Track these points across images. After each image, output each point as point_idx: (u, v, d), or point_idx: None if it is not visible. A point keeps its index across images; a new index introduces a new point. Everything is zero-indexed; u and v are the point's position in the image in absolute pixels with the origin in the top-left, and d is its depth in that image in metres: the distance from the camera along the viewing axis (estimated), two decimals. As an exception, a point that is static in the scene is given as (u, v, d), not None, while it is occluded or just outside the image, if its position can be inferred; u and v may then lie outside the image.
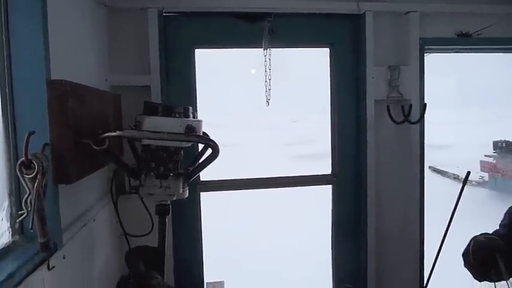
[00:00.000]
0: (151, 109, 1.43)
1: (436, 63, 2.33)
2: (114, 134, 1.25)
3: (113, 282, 1.74)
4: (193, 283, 2.02)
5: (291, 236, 2.14)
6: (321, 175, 2.08)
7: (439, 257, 1.98)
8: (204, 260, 2.05)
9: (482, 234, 1.60)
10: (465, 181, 1.93)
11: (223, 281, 2.08)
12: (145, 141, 1.40)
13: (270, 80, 2.00)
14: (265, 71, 1.99)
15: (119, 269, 1.81)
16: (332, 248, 2.11)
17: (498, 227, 1.75)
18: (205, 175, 2.00)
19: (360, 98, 2.01)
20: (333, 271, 2.12)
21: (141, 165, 1.48)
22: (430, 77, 2.28)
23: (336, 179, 2.06)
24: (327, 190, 2.08)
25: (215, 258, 2.14)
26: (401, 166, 2.06)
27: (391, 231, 2.09)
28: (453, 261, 1.89)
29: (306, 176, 2.07)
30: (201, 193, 2.01)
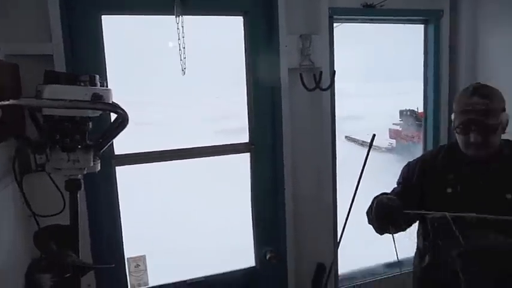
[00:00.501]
0: (52, 77, 1.32)
1: (355, 35, 2.46)
2: (7, 102, 1.15)
3: (22, 267, 1.63)
4: (113, 260, 1.96)
5: (212, 206, 2.15)
6: (239, 143, 2.11)
7: (349, 215, 2.14)
8: (123, 236, 2.00)
9: (383, 194, 1.76)
10: (371, 144, 2.08)
11: (144, 255, 2.06)
12: (47, 111, 1.30)
13: (184, 48, 1.95)
14: (179, 39, 1.94)
15: (27, 252, 1.70)
16: (252, 215, 2.17)
17: (396, 185, 1.93)
18: (121, 149, 1.93)
19: (274, 66, 2.05)
20: (254, 237, 2.19)
21: (45, 139, 1.38)
22: (349, 50, 2.40)
23: (254, 146, 2.10)
24: (245, 158, 2.12)
25: (137, 233, 2.10)
26: (315, 132, 2.16)
27: (307, 195, 2.20)
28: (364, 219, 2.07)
29: (224, 145, 2.08)
30: (117, 167, 1.94)
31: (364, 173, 2.38)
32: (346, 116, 2.89)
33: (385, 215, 1.63)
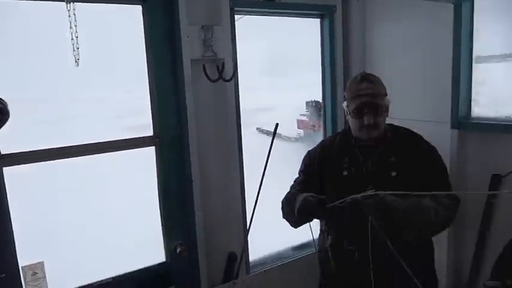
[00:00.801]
0: None
1: (261, 27, 2.51)
2: None
3: None
4: (6, 269, 1.79)
5: (117, 203, 2.06)
6: (143, 137, 2.04)
7: (257, 203, 2.20)
8: (16, 243, 1.83)
9: (298, 190, 1.86)
10: (274, 132, 2.16)
11: (42, 262, 1.90)
12: None
13: (77, 37, 1.83)
14: (71, 28, 1.81)
15: None
16: (160, 209, 2.12)
17: (298, 174, 2.04)
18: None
19: (176, 57, 2.02)
20: (163, 231, 2.14)
21: None
22: (256, 42, 2.44)
23: (159, 139, 2.05)
24: (151, 152, 2.07)
25: (33, 239, 1.93)
26: (221, 123, 2.18)
27: (214, 186, 2.21)
28: (273, 208, 2.14)
29: (127, 139, 2.00)
30: (4, 168, 1.76)
31: (276, 161, 2.47)
32: (257, 108, 2.96)
33: (310, 213, 1.72)
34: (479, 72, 2.14)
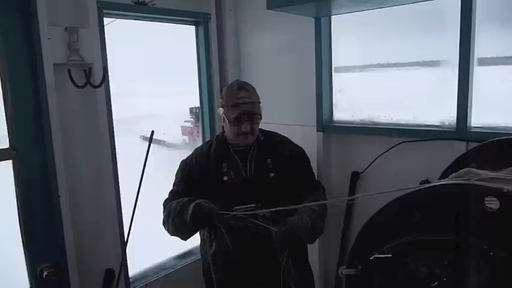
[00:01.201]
0: None
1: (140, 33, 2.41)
2: None
3: None
4: None
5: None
6: (-4, 150, 1.80)
7: (134, 214, 2.11)
8: None
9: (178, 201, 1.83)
10: (150, 140, 2.10)
11: None
12: None
13: None
14: None
15: None
16: (21, 229, 1.88)
17: (174, 187, 2.01)
18: None
19: (37, 61, 1.83)
20: (25, 255, 1.90)
21: None
22: (137, 48, 2.33)
23: (16, 152, 1.82)
24: (6, 166, 1.83)
25: None
26: (91, 132, 2.03)
27: (86, 200, 2.06)
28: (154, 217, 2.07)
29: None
30: None
31: (162, 168, 2.40)
32: (140, 115, 2.85)
33: (206, 220, 1.70)
34: (339, 81, 2.38)
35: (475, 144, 1.75)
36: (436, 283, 0.90)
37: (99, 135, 2.04)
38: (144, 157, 2.09)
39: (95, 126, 2.03)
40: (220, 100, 1.93)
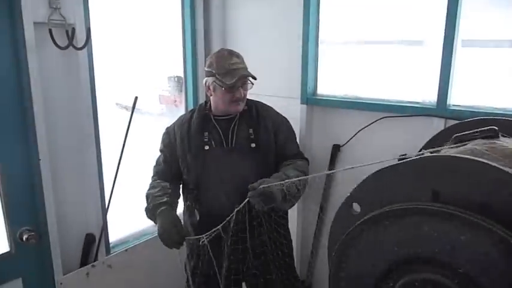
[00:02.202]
0: None
1: None
2: None
3: None
4: None
5: None
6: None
7: (116, 181, 2.10)
8: None
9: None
10: (134, 106, 2.09)
11: None
12: None
13: None
14: None
15: None
16: (0, 192, 1.84)
17: (159, 152, 2.01)
18: None
19: (15, 19, 1.75)
20: (4, 218, 1.87)
21: None
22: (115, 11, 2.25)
23: (-5, 113, 1.77)
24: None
25: None
26: (73, 95, 1.99)
27: (67, 164, 2.04)
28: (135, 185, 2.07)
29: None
30: None
31: (139, 137, 2.36)
32: (116, 82, 2.80)
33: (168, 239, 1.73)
34: (324, 55, 2.39)
35: (453, 122, 1.82)
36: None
37: (81, 98, 2.00)
38: (127, 124, 2.07)
39: (77, 89, 1.99)
40: (207, 69, 1.87)
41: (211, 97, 1.90)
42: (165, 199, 1.79)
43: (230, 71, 1.78)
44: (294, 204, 1.87)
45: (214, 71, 1.81)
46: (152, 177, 1.97)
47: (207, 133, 1.89)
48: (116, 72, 2.76)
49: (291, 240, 2.08)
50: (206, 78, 1.88)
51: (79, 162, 2.08)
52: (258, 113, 1.94)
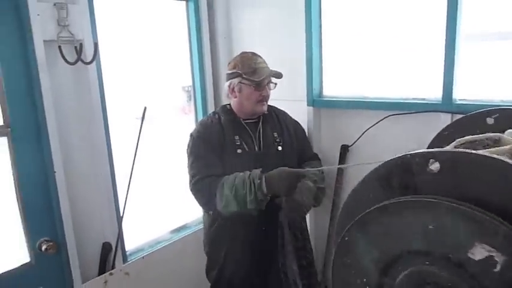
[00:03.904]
0: None
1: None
2: None
3: None
4: None
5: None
6: (-9, 127, 1.81)
7: (129, 190, 2.15)
8: None
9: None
10: (143, 116, 2.14)
11: None
12: None
13: None
14: None
15: None
16: (19, 205, 1.90)
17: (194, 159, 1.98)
18: None
19: (27, 38, 1.82)
20: (24, 229, 1.94)
21: None
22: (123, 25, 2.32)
23: (11, 129, 1.84)
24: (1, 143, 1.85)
25: None
26: (84, 108, 2.05)
27: (82, 175, 2.09)
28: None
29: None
30: None
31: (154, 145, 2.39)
32: (133, 94, 2.85)
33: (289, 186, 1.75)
34: (329, 57, 2.41)
35: (459, 116, 1.81)
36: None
37: (92, 111, 2.06)
38: (138, 133, 2.13)
39: (87, 102, 2.05)
40: (231, 71, 1.87)
41: (235, 99, 1.91)
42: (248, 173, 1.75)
43: (257, 69, 1.82)
44: (322, 198, 1.97)
45: (240, 71, 1.83)
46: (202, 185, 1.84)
47: (237, 136, 1.88)
48: (131, 86, 2.80)
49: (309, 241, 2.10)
50: (230, 80, 1.88)
51: (93, 173, 2.13)
52: (277, 116, 1.99)
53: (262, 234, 1.90)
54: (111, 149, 2.19)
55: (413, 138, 1.94)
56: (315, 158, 2.11)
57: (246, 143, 1.88)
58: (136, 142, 2.12)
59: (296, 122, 2.08)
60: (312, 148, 2.12)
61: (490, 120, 1.44)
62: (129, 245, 2.45)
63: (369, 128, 2.18)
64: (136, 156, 2.16)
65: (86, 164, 2.11)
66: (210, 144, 1.88)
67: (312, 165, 1.94)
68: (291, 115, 2.16)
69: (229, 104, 1.99)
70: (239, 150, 1.86)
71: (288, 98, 2.45)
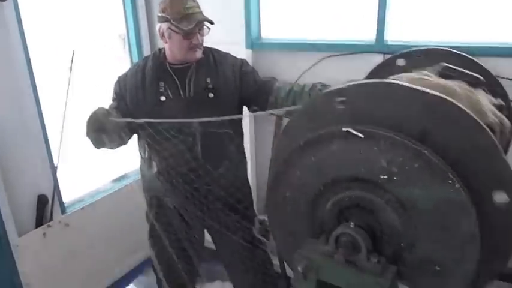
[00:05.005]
0: None
1: None
2: None
3: None
4: None
5: None
6: None
7: (62, 140, 2.05)
8: None
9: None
10: (72, 60, 2.00)
11: None
12: None
13: None
14: None
15: None
16: None
17: (111, 101, 1.91)
18: None
19: None
20: None
21: None
22: None
23: None
24: None
25: None
26: (3, 50, 1.89)
27: (8, 127, 1.96)
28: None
29: None
30: None
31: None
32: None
33: (94, 124, 1.63)
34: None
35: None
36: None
37: (13, 52, 1.90)
38: (68, 79, 2.00)
39: (4, 43, 1.88)
40: (161, 14, 1.71)
41: (166, 45, 1.77)
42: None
43: (186, 15, 1.65)
44: None
45: (168, 16, 1.67)
46: None
47: (163, 83, 1.76)
48: (60, 33, 2.59)
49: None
50: (160, 24, 1.73)
51: (20, 123, 2.00)
52: (215, 60, 1.83)
53: (195, 167, 1.82)
54: (37, 95, 2.04)
55: (349, 78, 1.99)
56: (279, 83, 1.89)
57: (171, 90, 1.77)
58: (67, 88, 2.00)
59: (241, 60, 1.90)
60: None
61: (400, 62, 1.50)
62: (68, 196, 2.38)
63: (306, 70, 2.21)
64: (68, 104, 2.04)
65: (10, 113, 1.97)
66: (118, 93, 1.83)
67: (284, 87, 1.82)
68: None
69: (163, 48, 1.87)
70: (162, 98, 1.75)
71: (225, 40, 2.38)
